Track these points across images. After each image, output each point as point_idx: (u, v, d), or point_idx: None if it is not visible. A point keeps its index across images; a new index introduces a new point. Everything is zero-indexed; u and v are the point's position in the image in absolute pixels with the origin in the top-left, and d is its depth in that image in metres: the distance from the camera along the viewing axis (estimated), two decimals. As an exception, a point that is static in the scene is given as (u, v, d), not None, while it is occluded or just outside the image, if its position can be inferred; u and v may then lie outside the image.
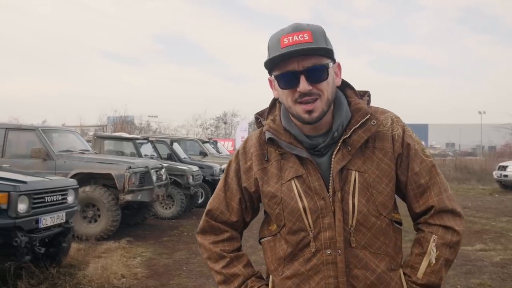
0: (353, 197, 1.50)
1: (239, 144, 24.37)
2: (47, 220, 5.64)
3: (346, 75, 1.62)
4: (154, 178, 9.25)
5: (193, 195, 11.92)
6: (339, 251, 1.48)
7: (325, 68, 1.47)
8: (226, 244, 1.69)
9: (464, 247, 8.18)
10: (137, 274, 6.28)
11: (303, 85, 1.45)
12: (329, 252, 1.49)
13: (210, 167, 13.75)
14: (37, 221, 5.47)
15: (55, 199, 5.88)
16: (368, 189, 1.51)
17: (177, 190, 11.18)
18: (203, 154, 16.07)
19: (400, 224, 1.62)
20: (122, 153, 11.57)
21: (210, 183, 13.54)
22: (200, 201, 13.07)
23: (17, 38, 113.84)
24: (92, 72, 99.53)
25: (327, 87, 1.49)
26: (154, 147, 12.50)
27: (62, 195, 6.06)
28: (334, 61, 1.53)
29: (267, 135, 1.58)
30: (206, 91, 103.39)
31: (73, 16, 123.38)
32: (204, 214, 1.75)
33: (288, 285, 1.56)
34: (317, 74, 1.47)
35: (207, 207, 1.74)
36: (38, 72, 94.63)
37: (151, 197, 9.09)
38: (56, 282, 5.70)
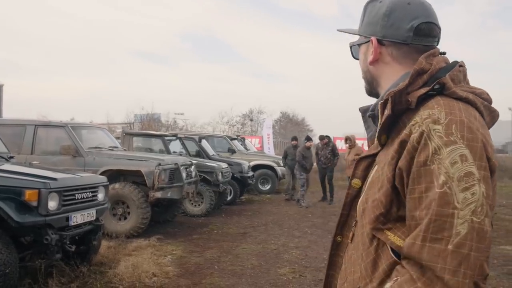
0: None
1: (266, 141, 24.16)
2: (77, 218, 5.54)
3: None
4: (184, 175, 9.13)
5: (222, 192, 11.74)
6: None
7: (351, 47, 1.48)
8: None
9: (504, 247, 7.88)
10: (168, 272, 6.13)
11: None
12: None
13: (239, 164, 13.59)
14: (67, 219, 5.36)
15: (85, 197, 5.78)
16: (370, 188, 1.25)
17: (206, 187, 11.00)
18: (232, 151, 15.88)
19: (399, 256, 1.14)
20: (151, 150, 11.49)
21: (239, 180, 13.39)
22: (229, 198, 12.93)
23: (47, 37, 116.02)
24: (120, 70, 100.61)
25: (360, 65, 1.45)
26: (183, 144, 12.39)
27: (92, 192, 5.95)
28: (369, 37, 1.37)
29: None
30: (232, 88, 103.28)
31: (101, 16, 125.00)
32: None
33: None
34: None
35: None
36: (66, 70, 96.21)
37: (181, 194, 8.95)
38: (87, 281, 5.59)
